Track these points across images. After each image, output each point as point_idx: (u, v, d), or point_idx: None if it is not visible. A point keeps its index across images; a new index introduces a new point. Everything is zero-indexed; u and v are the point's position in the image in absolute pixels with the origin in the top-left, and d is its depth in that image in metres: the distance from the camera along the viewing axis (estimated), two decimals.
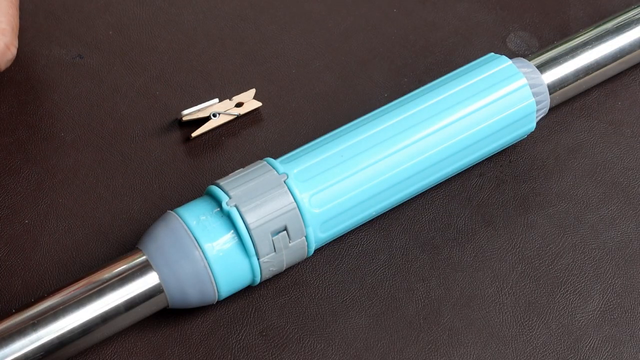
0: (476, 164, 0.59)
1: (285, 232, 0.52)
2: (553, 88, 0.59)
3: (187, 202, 0.53)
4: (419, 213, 0.59)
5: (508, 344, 0.54)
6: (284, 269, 0.53)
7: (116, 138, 0.61)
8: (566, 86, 0.60)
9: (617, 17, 0.62)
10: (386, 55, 0.65)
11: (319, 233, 0.53)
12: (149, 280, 0.51)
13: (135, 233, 0.56)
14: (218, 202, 0.52)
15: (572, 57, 0.60)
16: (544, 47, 0.63)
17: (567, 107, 0.63)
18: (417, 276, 0.56)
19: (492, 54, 0.59)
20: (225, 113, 0.61)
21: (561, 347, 0.54)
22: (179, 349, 0.53)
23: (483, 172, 0.60)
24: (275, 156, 0.55)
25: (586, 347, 0.54)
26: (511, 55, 0.64)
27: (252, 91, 0.62)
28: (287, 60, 0.65)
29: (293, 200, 0.51)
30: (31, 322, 0.48)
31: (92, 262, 0.55)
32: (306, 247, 0.53)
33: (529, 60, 0.59)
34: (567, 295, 0.56)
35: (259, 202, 0.51)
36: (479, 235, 0.58)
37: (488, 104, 0.56)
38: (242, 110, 0.61)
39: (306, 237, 0.52)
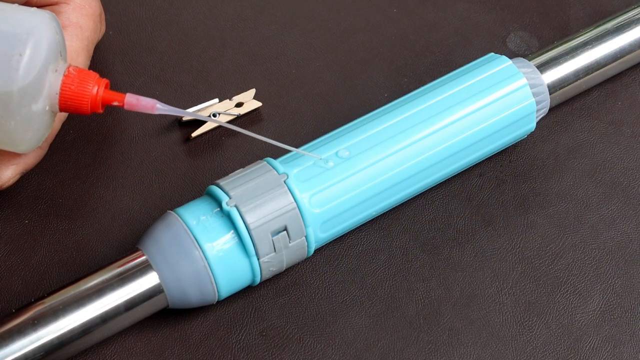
0: (476, 164, 0.59)
1: (285, 232, 0.51)
2: (553, 88, 0.59)
3: (187, 202, 0.53)
4: (419, 213, 0.58)
5: (508, 344, 0.54)
6: (284, 269, 0.53)
7: (116, 138, 0.60)
8: (566, 86, 0.60)
9: (617, 17, 0.62)
10: (386, 55, 0.65)
11: (319, 233, 0.53)
12: (149, 280, 0.51)
13: (135, 233, 0.56)
14: (218, 202, 0.52)
15: (572, 57, 0.60)
16: (544, 47, 0.63)
17: (567, 107, 0.63)
18: (417, 276, 0.56)
19: (492, 54, 0.59)
20: (225, 113, 0.61)
21: (561, 347, 0.54)
22: (179, 349, 0.53)
23: (483, 172, 0.60)
24: (275, 156, 0.54)
25: (586, 347, 0.54)
26: (511, 55, 0.64)
27: (252, 91, 0.62)
28: (287, 60, 0.65)
29: (293, 200, 0.51)
30: (31, 322, 0.48)
31: (92, 262, 0.55)
32: (306, 247, 0.53)
33: (529, 60, 0.59)
34: (567, 295, 0.56)
35: (259, 202, 0.51)
36: (479, 235, 0.58)
37: (488, 104, 0.56)
38: (242, 110, 0.61)
39: (306, 237, 0.52)
